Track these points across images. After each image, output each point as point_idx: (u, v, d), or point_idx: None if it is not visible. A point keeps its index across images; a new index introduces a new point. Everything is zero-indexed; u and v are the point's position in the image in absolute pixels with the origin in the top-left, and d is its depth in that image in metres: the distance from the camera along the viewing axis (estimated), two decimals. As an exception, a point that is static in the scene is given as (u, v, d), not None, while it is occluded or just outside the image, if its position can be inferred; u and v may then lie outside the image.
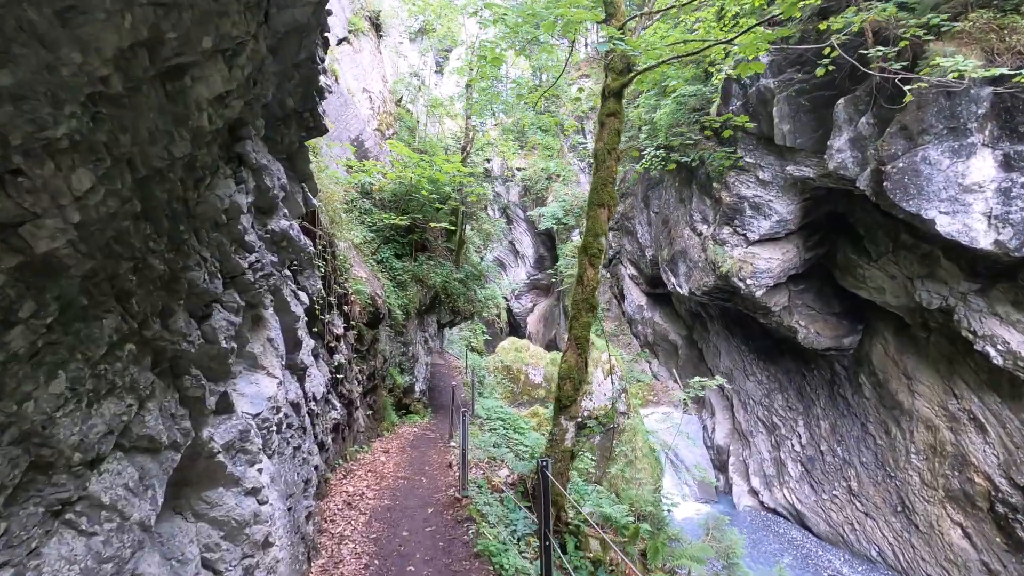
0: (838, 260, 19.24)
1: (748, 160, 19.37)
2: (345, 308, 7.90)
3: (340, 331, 7.39)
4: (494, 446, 10.06)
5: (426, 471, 8.40)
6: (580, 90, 30.45)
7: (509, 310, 38.62)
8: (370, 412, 9.58)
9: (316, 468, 5.93)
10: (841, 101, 15.99)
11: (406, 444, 10.00)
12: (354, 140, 13.94)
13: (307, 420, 5.82)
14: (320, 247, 6.86)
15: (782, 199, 18.79)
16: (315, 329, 6.69)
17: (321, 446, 6.43)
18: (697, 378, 9.31)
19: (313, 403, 6.10)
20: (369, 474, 7.85)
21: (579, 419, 7.39)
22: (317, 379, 6.27)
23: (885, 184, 14.43)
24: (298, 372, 5.93)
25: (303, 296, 6.12)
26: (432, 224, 10.98)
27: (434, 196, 12.31)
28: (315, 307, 6.59)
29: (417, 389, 13.49)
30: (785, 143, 17.98)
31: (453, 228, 11.40)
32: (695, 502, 22.34)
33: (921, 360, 16.99)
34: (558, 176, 34.47)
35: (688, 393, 9.69)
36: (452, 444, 9.79)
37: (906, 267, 16.55)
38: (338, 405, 7.15)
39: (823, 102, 16.98)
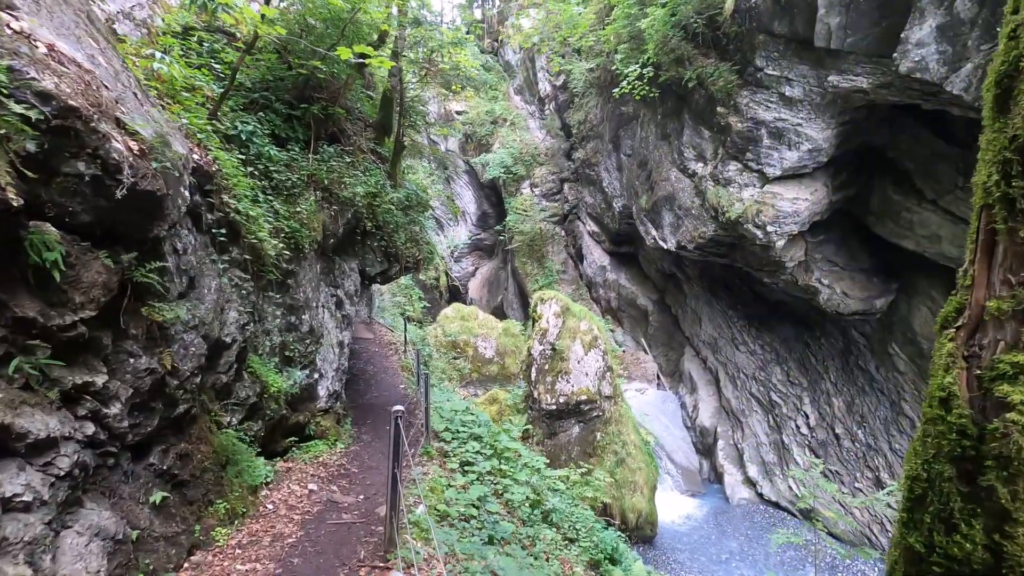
0: (872, 203, 14.48)
1: (770, 72, 13.96)
2: None
3: None
4: (487, 541, 4.03)
5: None
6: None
7: (447, 274, 32.20)
8: (164, 499, 3.34)
9: None
10: (931, -28, 10.73)
11: (270, 569, 3.77)
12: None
13: None
14: None
15: (815, 122, 13.61)
16: None
17: None
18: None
19: None
20: None
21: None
22: None
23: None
24: None
25: None
26: (342, 52, 4.53)
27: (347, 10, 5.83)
28: None
29: (322, 393, 7.17)
30: (829, 44, 12.70)
31: (374, 59, 4.95)
32: (680, 494, 17.45)
33: (989, 325, 12.41)
34: (505, 120, 28.01)
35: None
36: (391, 567, 3.65)
37: (988, 206, 11.69)
38: None
39: (894, -19, 11.71)
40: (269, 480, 5.22)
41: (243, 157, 5.81)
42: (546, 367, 14.71)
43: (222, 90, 5.28)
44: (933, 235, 13.02)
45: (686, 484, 17.80)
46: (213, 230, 4.77)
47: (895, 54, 11.27)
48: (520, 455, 7.81)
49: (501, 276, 29.60)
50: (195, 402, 3.98)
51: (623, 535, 12.32)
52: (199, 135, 4.70)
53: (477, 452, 7.07)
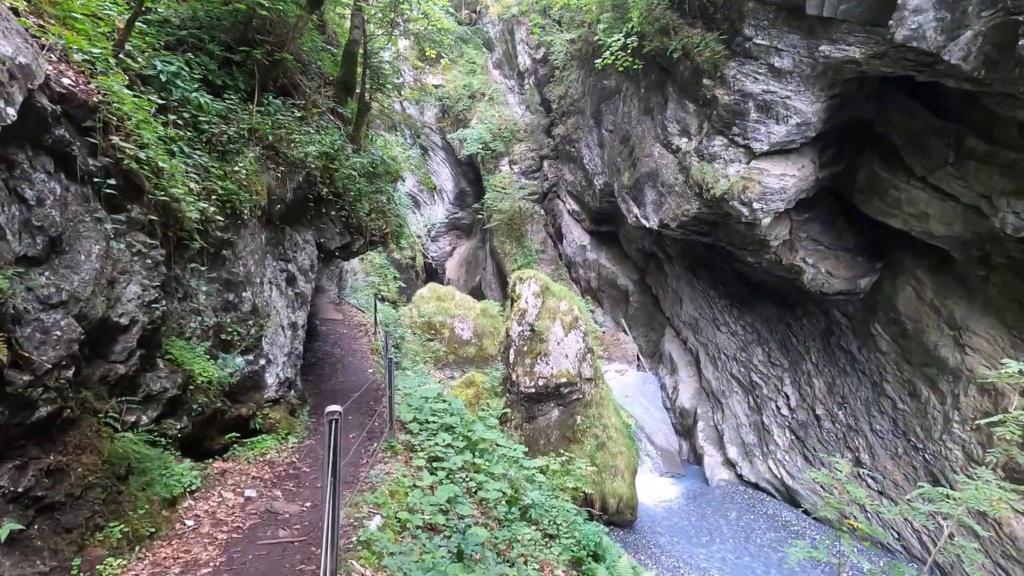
0: (859, 180, 13.98)
1: (759, 42, 13.20)
2: None
3: None
4: (455, 556, 3.29)
5: None
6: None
7: (423, 253, 31.09)
8: (20, 531, 2.50)
9: None
10: (934, -69, 10.10)
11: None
12: None
13: None
14: None
15: (805, 95, 12.94)
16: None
17: None
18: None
19: None
20: None
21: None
22: None
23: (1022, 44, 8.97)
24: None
25: None
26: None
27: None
28: None
29: (271, 381, 6.26)
30: (822, 11, 12.00)
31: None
32: (659, 476, 17.06)
33: (975, 306, 12.26)
34: (483, 95, 26.76)
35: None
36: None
37: (980, 182, 11.45)
38: None
39: (892, -58, 11.05)
40: (195, 488, 4.34)
41: (162, 102, 4.77)
42: (525, 349, 13.99)
43: (137, 21, 4.22)
44: (921, 213, 12.55)
45: (666, 466, 17.42)
46: (96, 179, 3.82)
47: (891, 21, 10.59)
48: (497, 445, 7.06)
49: (479, 255, 28.66)
50: (68, 401, 3.07)
51: (604, 525, 11.76)
52: (79, 58, 3.63)
53: (448, 445, 6.27)
